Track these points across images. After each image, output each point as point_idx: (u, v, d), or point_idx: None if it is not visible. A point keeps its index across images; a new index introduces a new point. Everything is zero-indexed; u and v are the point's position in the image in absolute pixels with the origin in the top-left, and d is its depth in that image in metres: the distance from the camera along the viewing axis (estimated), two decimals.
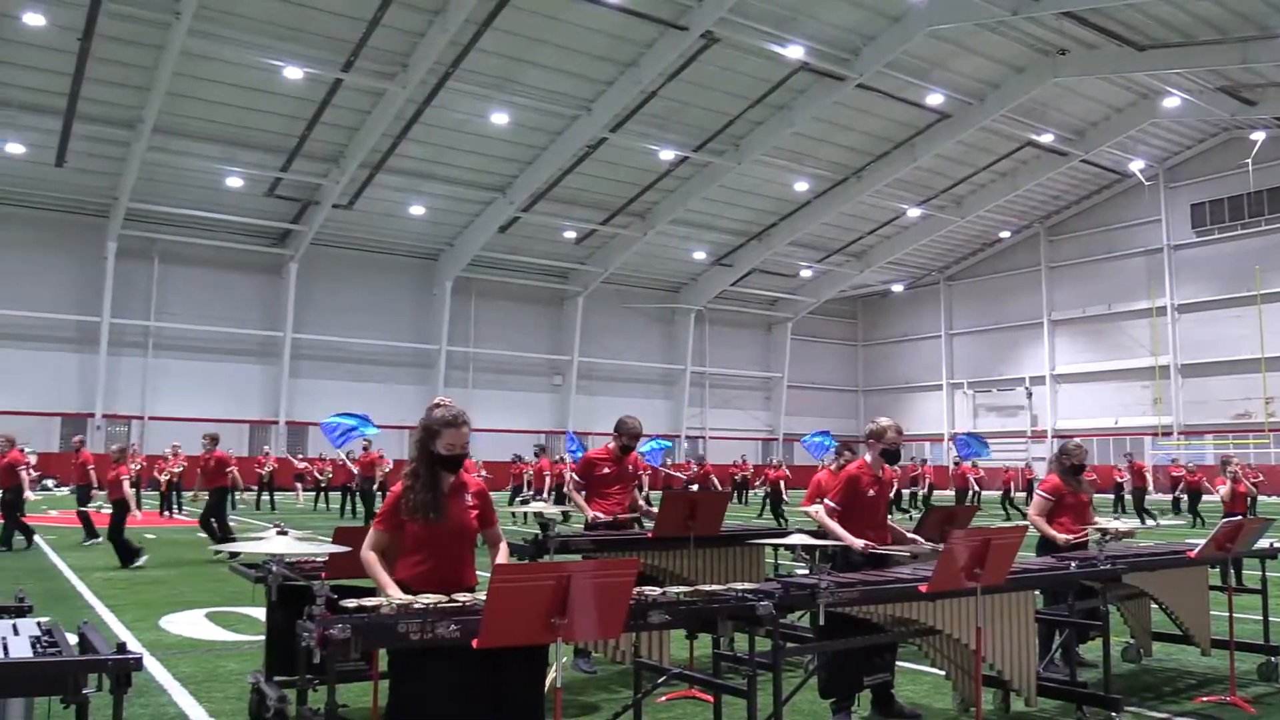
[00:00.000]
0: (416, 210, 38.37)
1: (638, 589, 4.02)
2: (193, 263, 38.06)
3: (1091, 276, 47.32)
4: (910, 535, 6.37)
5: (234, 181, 34.70)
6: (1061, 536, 6.84)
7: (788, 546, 5.99)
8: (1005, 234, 49.19)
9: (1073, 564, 5.91)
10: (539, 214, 39.14)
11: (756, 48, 30.06)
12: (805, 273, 49.38)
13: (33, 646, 3.31)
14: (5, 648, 3.28)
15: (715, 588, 4.50)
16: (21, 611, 4.16)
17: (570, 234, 41.91)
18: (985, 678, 5.31)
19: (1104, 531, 6.52)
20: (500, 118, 32.68)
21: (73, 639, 3.44)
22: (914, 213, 43.86)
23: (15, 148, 31.34)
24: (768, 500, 24.11)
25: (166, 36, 26.63)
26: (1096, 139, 38.98)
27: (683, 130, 34.98)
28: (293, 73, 29.03)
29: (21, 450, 16.83)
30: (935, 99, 34.38)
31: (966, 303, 52.88)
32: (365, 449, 21.84)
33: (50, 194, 34.42)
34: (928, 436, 52.31)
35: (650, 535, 6.89)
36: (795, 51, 30.21)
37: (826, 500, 6.13)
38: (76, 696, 3.15)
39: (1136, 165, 42.47)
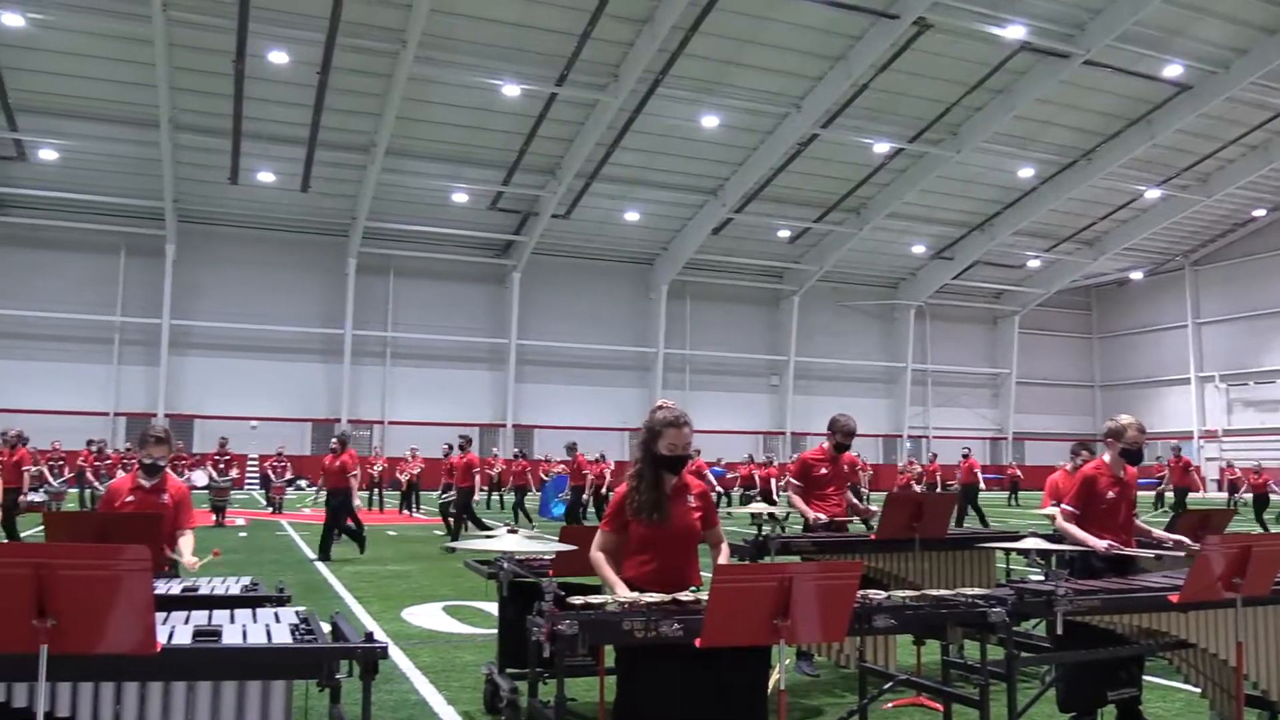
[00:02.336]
0: (631, 216, 39.16)
1: (862, 592, 3.95)
2: (424, 276, 40.35)
3: None
4: (1159, 534, 5.94)
5: (460, 197, 36.60)
6: None
7: (1021, 551, 5.70)
8: (1260, 212, 45.04)
9: None
10: (751, 214, 39.11)
11: (972, 31, 28.88)
12: (1033, 263, 47.01)
13: (292, 634, 3.59)
14: (269, 634, 3.57)
15: (943, 592, 4.36)
16: (282, 601, 4.53)
17: (784, 233, 41.65)
18: (1248, 697, 4.88)
19: None
20: (710, 120, 32.89)
21: (326, 628, 3.71)
22: (1153, 194, 40.91)
23: (266, 176, 34.34)
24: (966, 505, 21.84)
25: (395, 65, 28.39)
26: None
27: (897, 121, 34.08)
28: (511, 90, 30.29)
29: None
30: (1173, 70, 31.93)
31: (1216, 289, 48.78)
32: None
33: (297, 217, 37.41)
34: (1175, 434, 48.67)
35: (873, 537, 6.74)
36: (1015, 32, 28.83)
37: (1064, 504, 5.82)
38: (330, 681, 3.39)
39: None
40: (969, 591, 4.39)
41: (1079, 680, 5.18)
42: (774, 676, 4.01)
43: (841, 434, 7.44)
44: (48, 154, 32.23)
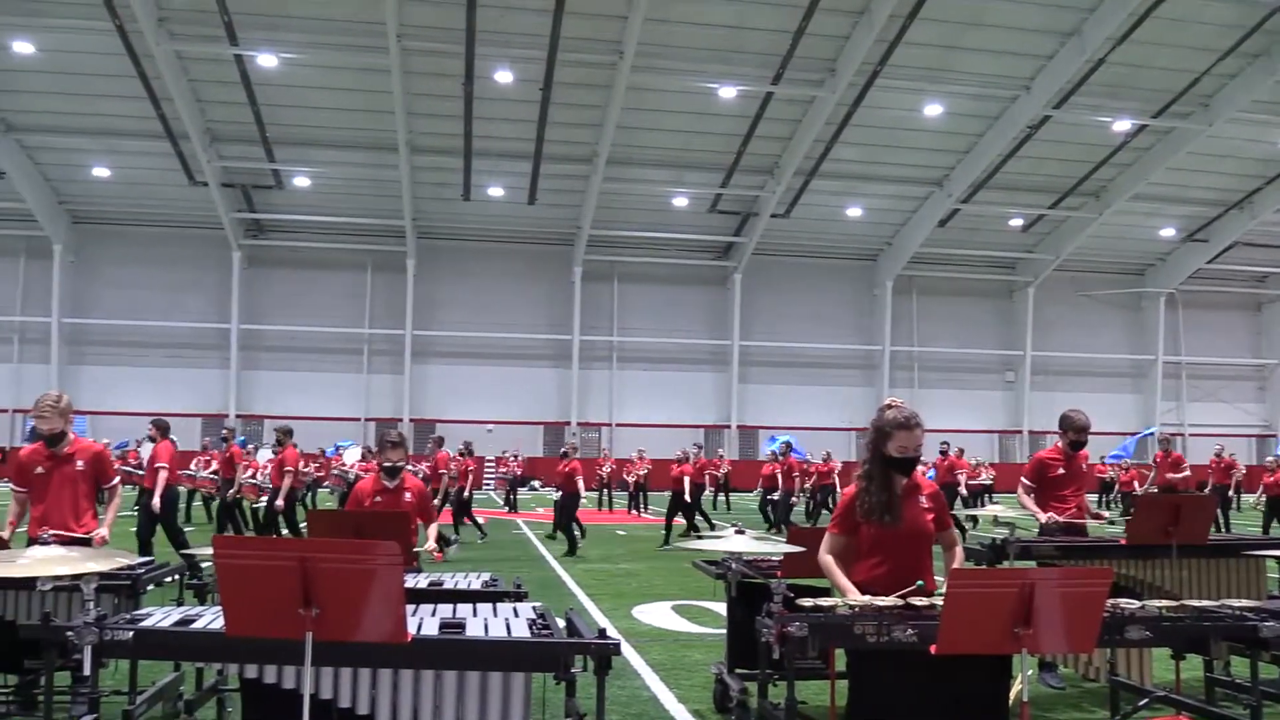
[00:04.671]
0: (853, 212, 38.46)
1: (1112, 600, 3.71)
2: (647, 280, 41.13)
3: None
4: None
5: (680, 202, 37.10)
6: None
7: None
8: None
9: None
10: (980, 204, 37.56)
11: None
12: None
13: (530, 628, 3.74)
14: (509, 628, 3.73)
15: (1206, 603, 4.03)
16: (519, 596, 4.73)
17: (1016, 221, 39.77)
18: None
19: None
20: (933, 109, 31.84)
21: (560, 623, 3.83)
22: None
23: (496, 191, 36.07)
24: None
25: (613, 76, 29.12)
26: None
27: (1138, 96, 31.81)
28: (727, 92, 30.41)
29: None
30: None
31: None
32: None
33: (525, 229, 39.03)
34: None
35: (1124, 542, 6.31)
36: None
37: None
38: (565, 675, 3.51)
39: None
40: (1235, 603, 4.04)
41: None
42: (1015, 687, 3.84)
43: (1074, 431, 7.06)
44: (301, 181, 35.13)
